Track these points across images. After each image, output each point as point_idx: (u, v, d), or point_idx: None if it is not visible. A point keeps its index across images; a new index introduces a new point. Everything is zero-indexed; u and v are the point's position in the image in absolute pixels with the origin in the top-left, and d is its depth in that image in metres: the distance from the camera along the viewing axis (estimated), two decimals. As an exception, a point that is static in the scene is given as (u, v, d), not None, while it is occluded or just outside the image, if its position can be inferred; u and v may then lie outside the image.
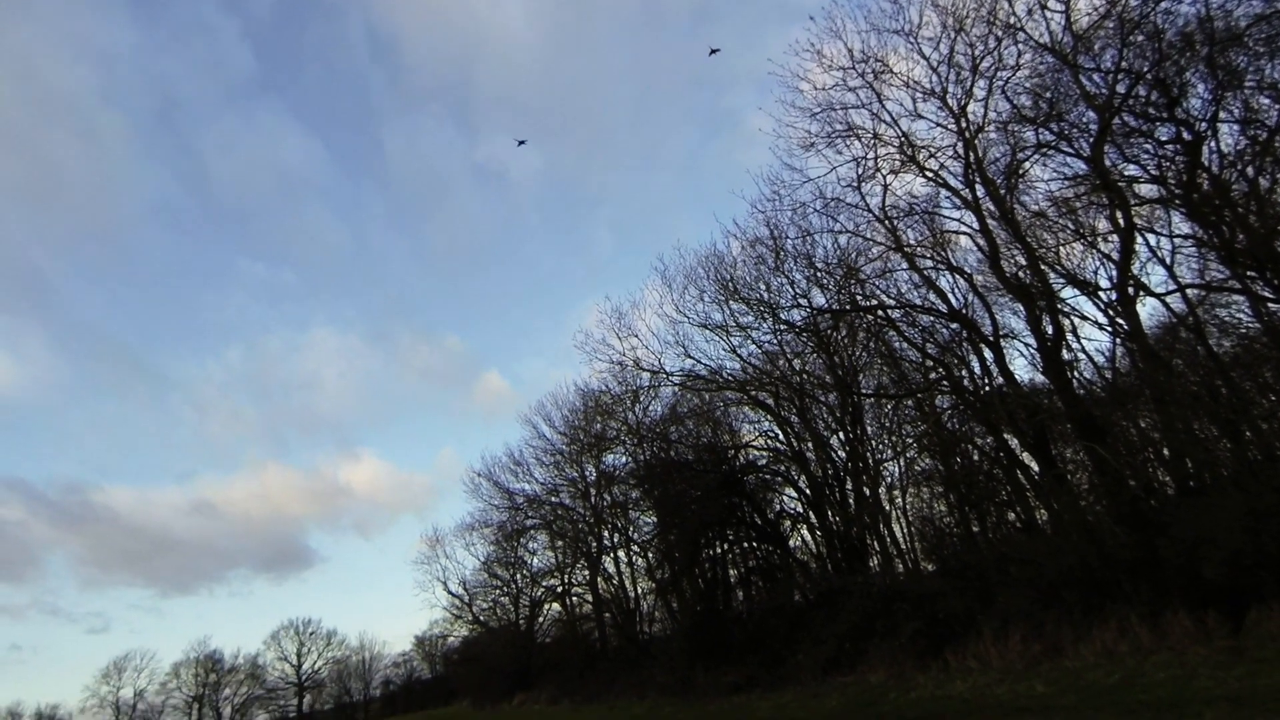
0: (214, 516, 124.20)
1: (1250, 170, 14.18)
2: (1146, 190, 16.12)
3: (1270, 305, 14.55)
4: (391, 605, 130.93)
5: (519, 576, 42.41)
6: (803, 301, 19.10)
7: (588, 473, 34.19)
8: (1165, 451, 15.01)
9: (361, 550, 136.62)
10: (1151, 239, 17.83)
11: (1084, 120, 15.32)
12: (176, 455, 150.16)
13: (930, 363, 19.17)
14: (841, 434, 22.28)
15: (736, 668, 17.68)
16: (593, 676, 27.44)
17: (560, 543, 37.82)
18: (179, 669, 67.88)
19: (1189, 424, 14.92)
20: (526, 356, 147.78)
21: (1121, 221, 15.20)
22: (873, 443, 22.78)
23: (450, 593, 47.19)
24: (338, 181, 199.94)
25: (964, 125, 15.89)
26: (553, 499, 36.41)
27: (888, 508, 22.68)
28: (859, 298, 18.27)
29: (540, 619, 42.01)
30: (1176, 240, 17.63)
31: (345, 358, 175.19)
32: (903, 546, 22.16)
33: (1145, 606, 9.92)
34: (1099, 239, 17.82)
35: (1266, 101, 14.34)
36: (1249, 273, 14.18)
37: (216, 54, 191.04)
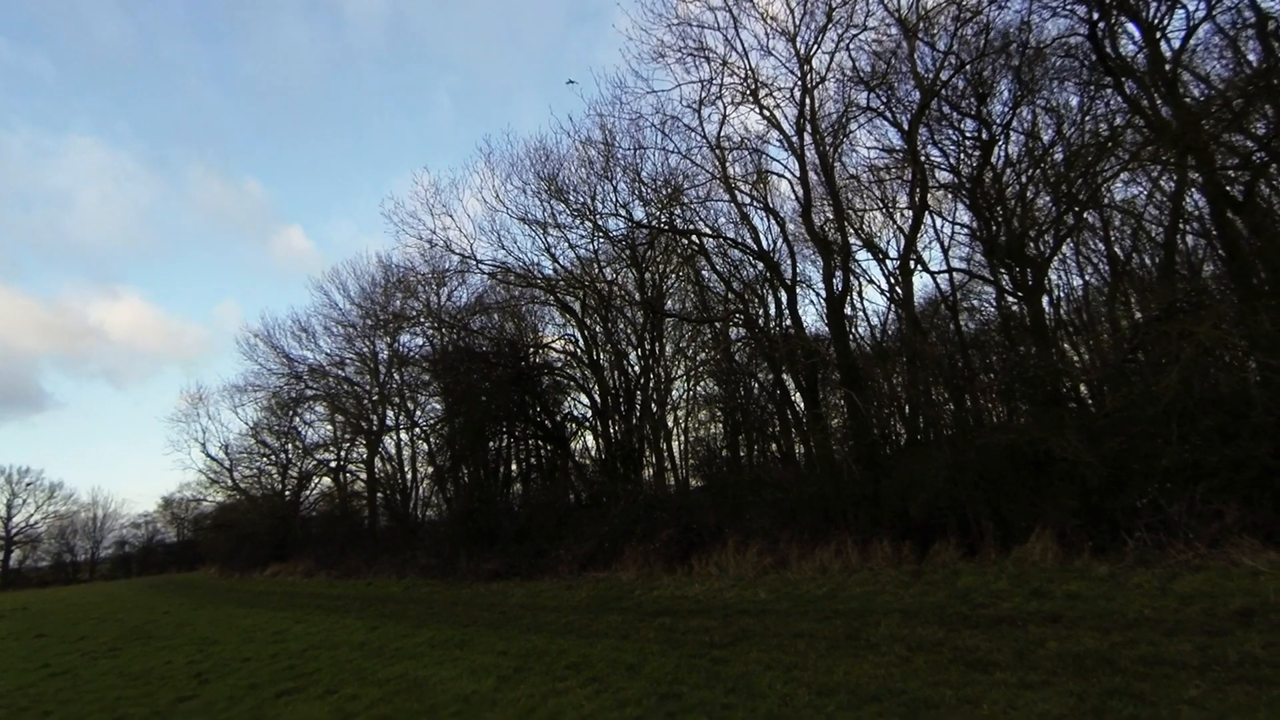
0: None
1: (1024, 179, 16.15)
2: (943, 176, 17.87)
3: (1008, 299, 16.93)
4: (138, 463, 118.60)
5: (290, 447, 40.19)
6: (623, 213, 19.11)
7: (379, 350, 32.69)
8: (906, 407, 17.24)
9: (110, 400, 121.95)
10: (938, 221, 19.97)
11: (909, 97, 16.46)
12: None
13: (732, 295, 20.24)
14: (639, 349, 23.10)
15: (500, 557, 18.24)
16: (355, 553, 27.00)
17: (340, 417, 36.18)
18: None
19: (929, 386, 17.20)
20: (337, 218, 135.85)
21: (917, 199, 16.72)
22: (666, 362, 23.93)
23: (209, 455, 43.80)
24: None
25: (807, 71, 16.36)
26: (338, 371, 34.50)
27: (670, 424, 24.17)
28: (678, 220, 18.63)
29: (308, 492, 40.34)
30: (956, 227, 19.89)
31: (112, 179, 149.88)
32: (677, 461, 23.84)
33: (860, 534, 11.55)
34: (897, 212, 19.61)
35: (1048, 121, 16.33)
36: (1001, 268, 16.36)
37: None
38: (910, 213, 17.45)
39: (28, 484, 63.75)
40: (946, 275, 19.46)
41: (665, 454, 23.07)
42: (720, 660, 7.09)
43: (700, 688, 6.18)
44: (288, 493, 40.16)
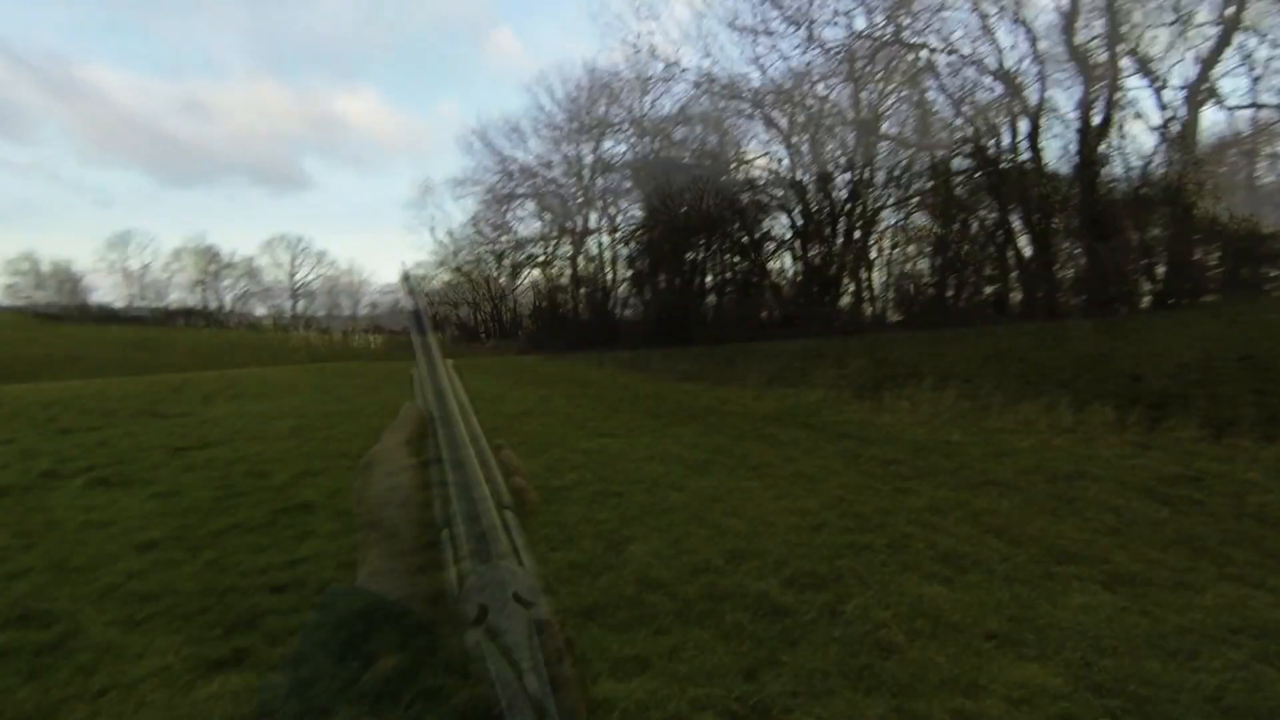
0: (206, 120, 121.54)
1: None
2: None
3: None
4: (380, 240, 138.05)
5: (504, 238, 43.65)
6: (842, 21, 17.05)
7: (583, 154, 33.48)
8: (1163, 266, 14.93)
9: (354, 182, 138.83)
10: (1252, 42, 15.70)
11: None
12: (160, 45, 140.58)
13: (961, 121, 17.96)
14: (848, 174, 21.66)
15: (691, 361, 19.19)
16: (561, 338, 29.69)
17: (548, 215, 38.31)
18: (180, 253, 75.53)
19: (1196, 244, 14.74)
20: (545, 24, 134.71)
21: (1226, 13, 13.28)
22: (876, 190, 22.31)
23: (436, 239, 49.25)
24: None
25: None
26: (545, 172, 36.14)
27: (873, 255, 23.03)
28: (906, 32, 16.36)
29: (519, 280, 44.18)
30: (1276, 51, 15.60)
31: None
32: (876, 293, 22.97)
33: (1078, 394, 10.71)
34: (1192, 29, 15.61)
35: None
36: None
37: None
38: (1214, 29, 13.97)
39: (303, 249, 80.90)
40: (1250, 111, 15.77)
41: (865, 284, 22.24)
42: (904, 490, 7.11)
43: (881, 512, 6.26)
44: (502, 279, 44.26)
